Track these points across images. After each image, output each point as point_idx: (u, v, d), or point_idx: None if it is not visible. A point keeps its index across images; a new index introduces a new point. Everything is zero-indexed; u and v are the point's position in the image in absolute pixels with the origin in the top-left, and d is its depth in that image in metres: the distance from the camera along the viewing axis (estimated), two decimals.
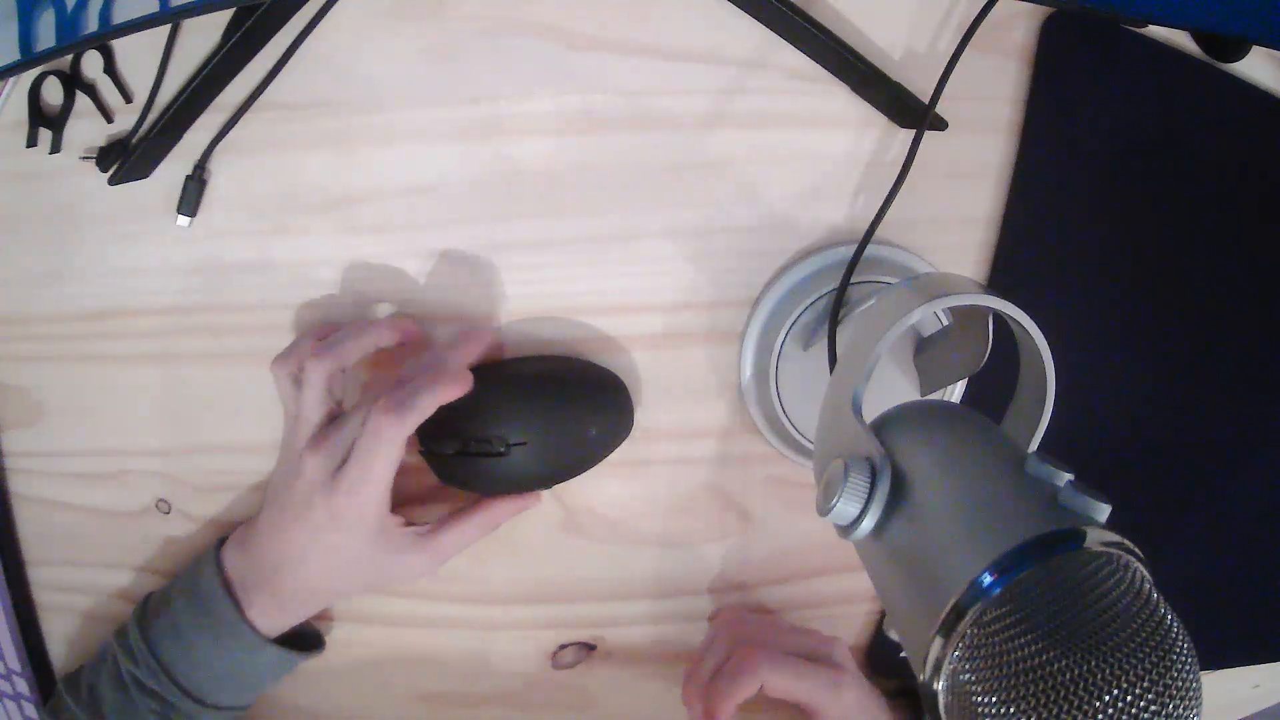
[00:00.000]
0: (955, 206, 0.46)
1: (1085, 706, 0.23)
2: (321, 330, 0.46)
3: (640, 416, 0.48)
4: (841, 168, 0.45)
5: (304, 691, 0.54)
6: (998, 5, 0.41)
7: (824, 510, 0.31)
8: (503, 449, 0.44)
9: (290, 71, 0.42)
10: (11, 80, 0.42)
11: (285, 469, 0.45)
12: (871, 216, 0.42)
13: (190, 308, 0.46)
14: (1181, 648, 0.24)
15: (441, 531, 0.46)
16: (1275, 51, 0.45)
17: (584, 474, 0.47)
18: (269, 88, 0.43)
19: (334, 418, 0.44)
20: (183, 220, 0.45)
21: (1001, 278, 0.47)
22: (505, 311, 0.47)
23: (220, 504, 0.50)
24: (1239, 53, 0.44)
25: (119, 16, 0.34)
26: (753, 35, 0.43)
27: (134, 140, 0.43)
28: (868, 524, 0.31)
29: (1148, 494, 0.52)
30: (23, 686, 0.52)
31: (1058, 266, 0.47)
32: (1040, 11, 0.43)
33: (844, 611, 0.54)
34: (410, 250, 0.46)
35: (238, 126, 0.43)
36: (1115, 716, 0.23)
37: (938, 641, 0.27)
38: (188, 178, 0.44)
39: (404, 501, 0.50)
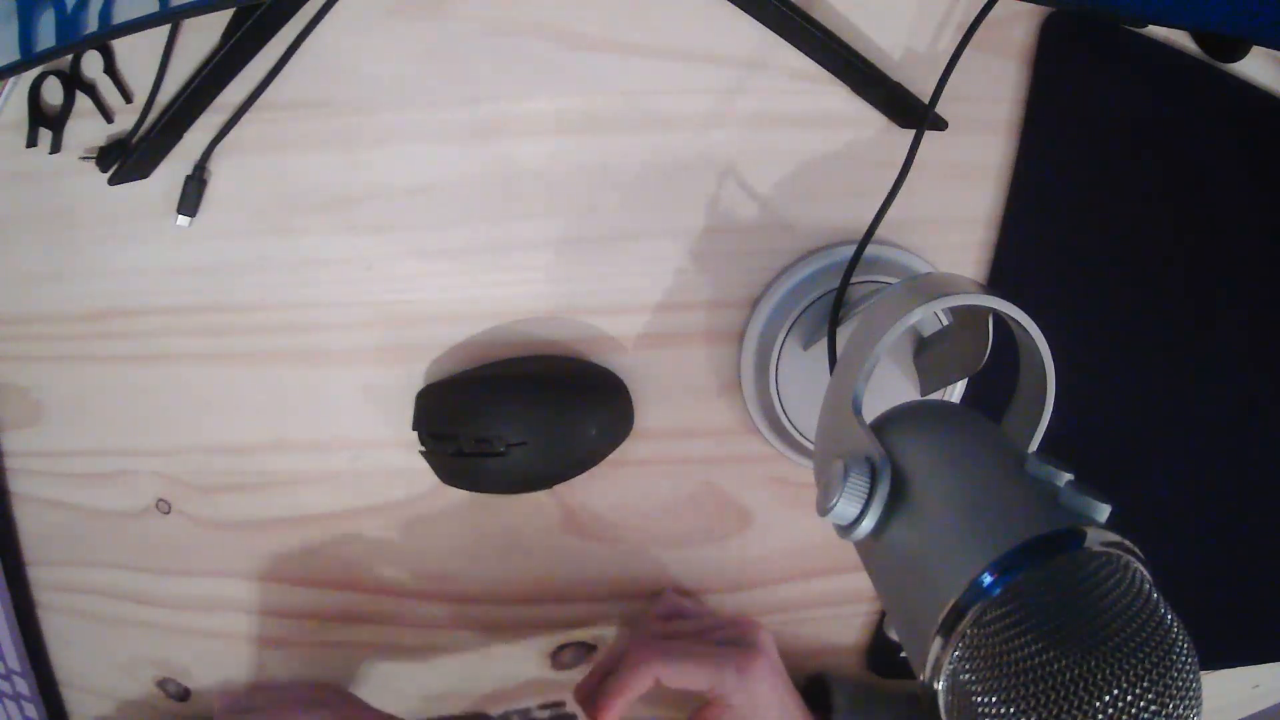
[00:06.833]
0: (955, 206, 0.46)
1: (1085, 706, 0.23)
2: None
3: (640, 416, 0.48)
4: (841, 168, 0.45)
5: None
6: (998, 5, 0.41)
7: (824, 510, 0.31)
8: (502, 449, 0.44)
9: (290, 71, 0.42)
10: (11, 80, 0.42)
11: None
12: (871, 216, 0.42)
13: (190, 308, 0.46)
14: (1181, 648, 0.24)
15: None
16: (1275, 51, 0.45)
17: (584, 474, 0.47)
18: (269, 88, 0.42)
19: None
20: (183, 220, 0.44)
21: (1001, 278, 0.47)
22: (505, 311, 0.47)
23: (220, 504, 0.50)
24: (1239, 53, 0.44)
25: (119, 16, 0.34)
26: (753, 35, 0.43)
27: (134, 140, 0.43)
28: (868, 524, 0.31)
29: (1148, 493, 0.52)
30: (23, 686, 0.52)
31: (1058, 266, 0.47)
32: (1040, 11, 0.43)
33: (844, 611, 0.54)
34: (410, 250, 0.46)
35: (238, 126, 0.43)
36: (1115, 716, 0.23)
37: (938, 641, 0.27)
38: (188, 178, 0.44)
39: (403, 502, 0.50)
